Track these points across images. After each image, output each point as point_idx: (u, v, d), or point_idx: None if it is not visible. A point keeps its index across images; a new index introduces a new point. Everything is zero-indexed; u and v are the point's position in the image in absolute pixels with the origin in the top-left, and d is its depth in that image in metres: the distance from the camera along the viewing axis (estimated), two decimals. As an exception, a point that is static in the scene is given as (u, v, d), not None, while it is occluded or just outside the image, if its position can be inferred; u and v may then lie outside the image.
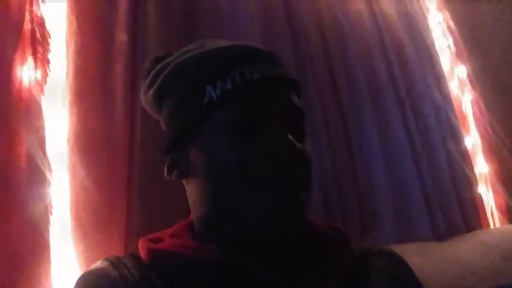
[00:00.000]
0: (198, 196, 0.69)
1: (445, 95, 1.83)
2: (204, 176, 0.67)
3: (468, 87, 1.95)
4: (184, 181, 0.73)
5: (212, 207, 0.67)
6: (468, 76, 1.95)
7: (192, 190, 0.71)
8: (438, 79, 1.85)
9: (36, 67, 1.04)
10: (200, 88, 0.66)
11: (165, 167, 0.72)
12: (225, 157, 0.63)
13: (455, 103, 1.88)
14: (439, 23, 2.07)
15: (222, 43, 0.74)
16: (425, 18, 2.00)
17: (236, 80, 0.65)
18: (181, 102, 0.69)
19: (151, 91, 0.73)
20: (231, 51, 0.70)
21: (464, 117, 1.92)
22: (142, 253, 0.68)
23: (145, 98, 0.76)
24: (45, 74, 1.06)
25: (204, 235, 0.70)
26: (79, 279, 0.67)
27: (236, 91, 0.65)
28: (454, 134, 1.77)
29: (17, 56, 1.03)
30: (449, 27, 2.03)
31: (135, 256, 0.69)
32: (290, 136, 0.63)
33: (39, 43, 1.05)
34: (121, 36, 1.18)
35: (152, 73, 0.74)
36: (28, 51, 1.04)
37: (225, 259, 0.63)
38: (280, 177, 0.62)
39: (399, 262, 0.80)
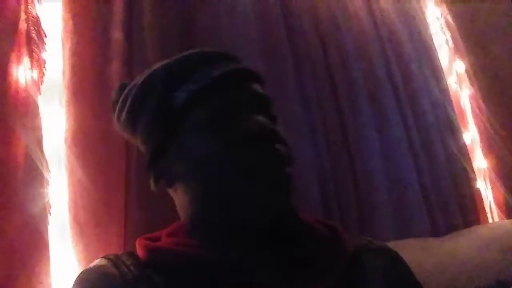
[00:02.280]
0: (188, 197, 0.70)
1: (443, 91, 1.83)
2: (191, 176, 0.69)
3: (466, 82, 1.95)
4: (170, 190, 0.75)
5: (204, 203, 0.68)
6: (466, 71, 1.95)
7: (181, 194, 0.72)
8: (436, 74, 1.85)
9: (32, 67, 1.05)
10: (168, 96, 0.70)
11: (151, 181, 0.74)
12: (208, 151, 0.67)
13: (453, 99, 1.88)
14: (437, 18, 2.07)
15: (172, 58, 0.78)
16: (423, 14, 2.00)
17: (199, 80, 0.70)
18: (154, 114, 0.71)
19: (123, 115, 0.75)
20: (189, 56, 0.75)
21: (463, 113, 1.92)
22: (140, 251, 0.68)
23: (119, 123, 0.79)
24: (41, 74, 1.06)
25: (199, 234, 0.70)
26: (78, 276, 0.68)
27: (202, 89, 0.69)
28: (452, 129, 1.77)
29: (13, 55, 1.03)
30: (447, 22, 2.03)
31: (133, 254, 0.69)
32: (264, 119, 0.68)
33: (34, 43, 1.05)
34: (117, 35, 1.18)
35: (121, 98, 0.77)
36: (24, 51, 1.04)
37: (221, 256, 0.64)
38: (265, 156, 0.66)
39: (395, 258, 0.80)
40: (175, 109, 0.69)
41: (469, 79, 1.94)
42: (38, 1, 1.09)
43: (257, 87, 0.74)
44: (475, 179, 1.75)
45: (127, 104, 0.74)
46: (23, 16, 1.06)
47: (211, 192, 0.67)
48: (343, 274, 0.68)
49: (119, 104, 0.77)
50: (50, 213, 0.99)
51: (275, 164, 0.66)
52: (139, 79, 0.76)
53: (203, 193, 0.68)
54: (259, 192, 0.64)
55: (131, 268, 0.66)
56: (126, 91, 0.77)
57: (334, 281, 0.66)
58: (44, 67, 1.07)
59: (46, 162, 1.01)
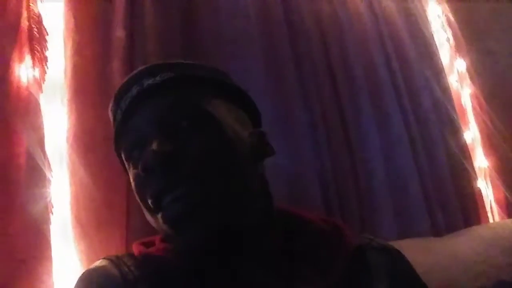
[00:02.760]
0: None
1: (444, 89, 1.83)
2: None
3: (467, 81, 1.94)
4: None
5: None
6: (468, 70, 1.95)
7: None
8: (437, 73, 1.84)
9: (34, 65, 1.04)
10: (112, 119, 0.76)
11: None
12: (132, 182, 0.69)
13: (454, 97, 1.88)
14: (438, 16, 2.06)
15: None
16: (424, 11, 1.99)
17: (115, 119, 0.74)
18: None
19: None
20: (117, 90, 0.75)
21: (464, 111, 1.92)
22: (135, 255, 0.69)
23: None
24: (43, 72, 1.06)
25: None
26: (80, 277, 0.69)
27: (116, 128, 0.72)
28: (453, 128, 1.76)
29: (15, 54, 1.02)
30: (448, 20, 2.02)
31: (134, 256, 0.70)
32: (152, 147, 0.63)
33: (36, 41, 1.05)
34: (119, 33, 1.17)
35: None
36: (26, 49, 1.04)
37: (211, 260, 0.64)
38: (159, 188, 0.63)
39: (398, 257, 0.81)
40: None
41: (470, 77, 1.93)
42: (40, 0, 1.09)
43: (161, 101, 0.68)
44: (476, 178, 1.75)
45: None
46: (25, 14, 1.05)
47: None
48: (345, 271, 0.68)
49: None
50: (52, 213, 0.99)
51: (172, 192, 0.62)
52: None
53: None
54: (173, 223, 0.63)
55: (132, 268, 0.66)
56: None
57: (337, 278, 0.66)
58: (46, 65, 1.07)
59: (48, 161, 1.00)
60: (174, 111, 0.67)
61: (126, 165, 0.71)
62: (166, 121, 0.66)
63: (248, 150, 0.68)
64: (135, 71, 0.75)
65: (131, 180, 0.69)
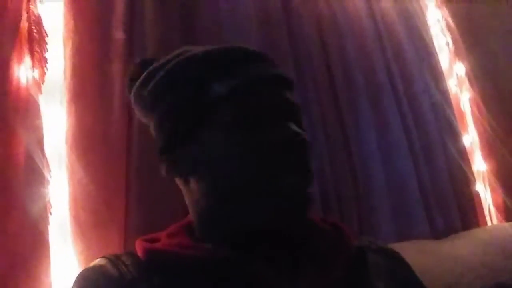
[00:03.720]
0: (203, 191, 0.69)
1: (444, 93, 1.83)
2: (212, 171, 0.67)
3: (466, 85, 1.94)
4: (181, 181, 0.74)
5: (220, 200, 0.68)
6: (467, 74, 1.95)
7: (194, 187, 0.70)
8: (437, 77, 1.84)
9: (33, 66, 1.04)
10: (206, 85, 0.68)
11: (165, 167, 0.72)
12: (238, 150, 0.66)
13: (453, 101, 1.88)
14: (438, 20, 2.06)
15: (210, 47, 0.75)
16: (423, 16, 2.00)
17: (239, 76, 0.68)
18: (186, 99, 0.69)
19: (146, 90, 0.73)
20: (230, 50, 0.72)
21: (462, 115, 1.92)
22: (139, 252, 0.69)
23: (137, 97, 0.76)
24: (42, 73, 1.06)
25: (204, 233, 0.71)
26: (78, 276, 0.69)
27: (242, 87, 0.68)
28: (452, 132, 1.76)
29: (15, 55, 1.03)
30: (448, 25, 2.03)
31: (133, 255, 0.70)
32: (296, 128, 0.67)
33: (36, 42, 1.05)
34: (118, 35, 1.18)
35: (145, 73, 0.74)
36: (26, 50, 1.04)
37: (222, 256, 0.64)
38: (292, 164, 0.65)
39: (397, 259, 0.81)
40: (208, 100, 0.68)
41: (470, 81, 1.93)
42: (39, 1, 1.09)
43: (291, 95, 0.73)
44: (474, 182, 1.75)
45: (154, 82, 0.72)
46: (24, 15, 1.05)
47: (230, 191, 0.66)
48: (347, 271, 0.68)
49: (142, 79, 0.75)
50: (50, 213, 0.99)
51: (300, 179, 0.66)
52: (170, 59, 0.74)
53: (221, 191, 0.67)
54: (278, 203, 0.65)
55: (131, 268, 0.66)
56: (152, 68, 0.75)
57: (338, 278, 0.67)
58: (46, 66, 1.07)
59: (47, 162, 1.01)
60: (297, 107, 0.73)
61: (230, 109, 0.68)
62: (299, 113, 0.72)
63: None
64: (252, 48, 0.74)
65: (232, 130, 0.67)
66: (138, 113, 0.79)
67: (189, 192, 0.72)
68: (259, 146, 0.65)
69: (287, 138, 0.65)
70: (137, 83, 0.75)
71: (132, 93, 0.77)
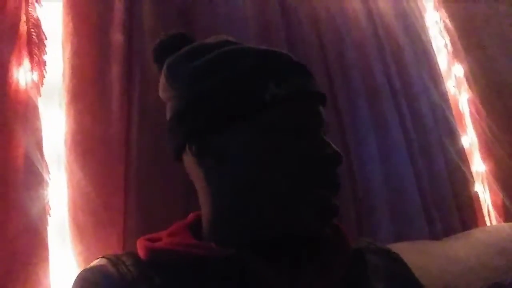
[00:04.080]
0: (229, 186, 0.69)
1: (442, 94, 1.84)
2: (248, 167, 0.67)
3: (465, 86, 1.95)
4: (199, 169, 0.72)
5: (249, 196, 0.67)
6: (465, 75, 1.96)
7: (222, 179, 0.69)
8: (435, 78, 1.85)
9: (32, 69, 1.04)
10: (262, 80, 0.68)
11: (193, 148, 0.70)
12: (282, 151, 0.66)
13: (452, 102, 1.89)
14: (436, 22, 2.07)
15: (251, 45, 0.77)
16: (422, 17, 2.01)
17: (296, 85, 0.69)
18: (237, 87, 0.68)
19: (188, 68, 0.72)
20: (293, 58, 0.74)
21: (461, 116, 1.93)
22: (140, 252, 0.69)
23: (174, 72, 0.74)
24: (41, 76, 1.06)
25: (213, 230, 0.71)
26: (77, 276, 0.68)
27: (295, 94, 0.69)
28: (451, 133, 1.77)
29: (13, 57, 1.03)
30: (446, 26, 2.04)
31: (133, 254, 0.69)
32: (336, 148, 0.69)
33: (35, 45, 1.05)
34: (117, 37, 1.18)
35: (189, 51, 0.75)
36: (24, 53, 1.04)
37: (223, 255, 0.63)
38: (327, 181, 0.68)
39: (396, 260, 0.81)
40: (261, 97, 0.67)
41: (468, 83, 1.94)
42: (38, 3, 1.09)
43: (323, 111, 0.74)
44: (473, 183, 1.76)
45: (206, 59, 0.71)
46: (23, 18, 1.05)
47: (261, 190, 0.66)
48: (346, 272, 0.68)
49: (187, 51, 0.75)
50: (49, 215, 0.99)
51: (331, 192, 0.68)
52: (216, 43, 0.75)
53: (252, 188, 0.67)
54: (310, 213, 0.66)
55: (131, 268, 0.66)
56: (200, 44, 0.76)
57: (337, 279, 0.67)
58: (44, 69, 1.07)
59: (46, 164, 1.01)
60: (327, 126, 0.75)
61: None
62: (328, 129, 0.75)
63: None
64: (297, 58, 0.75)
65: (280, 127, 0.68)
66: (163, 85, 0.76)
67: (212, 181, 0.71)
68: (301, 156, 0.67)
69: (330, 154, 0.68)
70: (179, 56, 0.75)
71: (168, 64, 0.75)
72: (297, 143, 0.67)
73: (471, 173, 1.77)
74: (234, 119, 0.67)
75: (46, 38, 1.09)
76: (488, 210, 1.77)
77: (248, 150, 0.67)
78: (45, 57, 1.08)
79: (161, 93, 0.78)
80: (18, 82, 1.02)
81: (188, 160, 0.73)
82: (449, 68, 2.00)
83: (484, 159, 1.85)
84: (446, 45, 2.02)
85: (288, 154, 0.66)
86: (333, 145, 0.69)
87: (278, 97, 0.67)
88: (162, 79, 0.76)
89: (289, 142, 0.67)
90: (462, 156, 1.75)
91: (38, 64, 1.06)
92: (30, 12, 1.07)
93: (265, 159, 0.66)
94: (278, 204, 0.66)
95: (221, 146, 0.68)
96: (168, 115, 0.75)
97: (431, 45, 1.95)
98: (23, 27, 1.05)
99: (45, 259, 0.95)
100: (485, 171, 1.84)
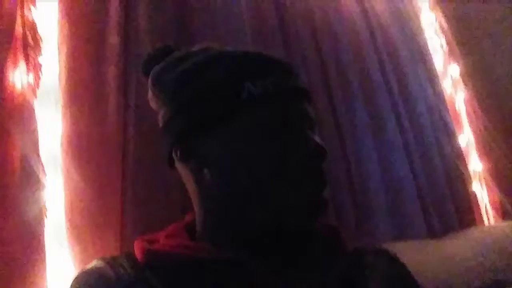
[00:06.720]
0: (219, 186, 0.69)
1: (438, 94, 1.84)
2: (233, 167, 0.68)
3: (461, 85, 1.96)
4: (191, 170, 0.72)
5: (236, 197, 0.68)
6: (461, 75, 1.97)
7: (209, 179, 0.70)
8: (431, 78, 1.86)
9: (28, 71, 1.04)
10: (238, 82, 0.68)
11: (179, 151, 0.71)
12: (261, 151, 0.66)
13: (448, 102, 1.89)
14: (432, 22, 2.08)
15: (230, 49, 0.77)
16: (417, 18, 2.02)
17: (275, 83, 0.69)
18: (213, 91, 0.69)
19: (170, 76, 0.73)
20: (271, 57, 0.74)
21: (458, 116, 1.93)
22: (138, 253, 0.68)
23: (157, 79, 0.76)
24: (37, 78, 1.06)
25: (209, 229, 0.71)
26: (74, 278, 0.68)
27: (274, 92, 0.69)
28: (447, 132, 1.78)
29: (9, 60, 1.03)
30: (441, 27, 2.05)
31: (130, 256, 0.69)
32: (319, 140, 0.69)
33: (31, 47, 1.05)
34: (113, 39, 1.18)
35: (171, 60, 0.76)
36: (20, 55, 1.04)
37: (221, 257, 0.64)
38: (314, 175, 0.68)
39: (394, 261, 0.81)
40: (239, 98, 0.68)
41: (464, 82, 1.95)
42: (34, 6, 1.09)
43: (309, 108, 0.74)
44: (470, 182, 1.76)
45: (183, 68, 0.72)
46: (19, 20, 1.05)
47: (248, 190, 0.67)
48: (343, 273, 0.68)
49: (168, 63, 0.75)
50: (46, 216, 0.99)
51: (317, 187, 0.68)
52: (197, 51, 0.76)
53: (238, 188, 0.67)
54: (299, 208, 0.66)
55: (128, 270, 0.65)
56: (180, 55, 0.76)
57: (335, 279, 0.67)
58: (40, 71, 1.07)
59: (42, 166, 1.00)
60: (315, 122, 0.75)
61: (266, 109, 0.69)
62: (316, 126, 0.74)
63: None
64: (280, 57, 0.77)
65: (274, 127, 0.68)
66: (150, 95, 0.78)
67: (200, 184, 0.71)
68: (285, 152, 0.66)
69: (312, 148, 0.68)
70: (162, 65, 0.76)
71: (152, 74, 0.76)
72: (277, 141, 0.67)
73: (468, 172, 1.77)
74: (214, 122, 0.68)
75: (41, 41, 1.09)
76: (486, 209, 1.78)
77: (229, 151, 0.68)
78: (41, 59, 1.08)
79: (151, 104, 0.79)
80: (14, 84, 1.02)
81: (178, 164, 0.74)
82: (445, 68, 2.00)
83: (481, 158, 1.86)
84: (441, 45, 2.03)
85: (268, 152, 0.66)
86: (317, 139, 0.69)
87: (254, 96, 0.67)
88: (149, 90, 0.78)
89: (269, 140, 0.67)
90: (459, 155, 1.76)
91: (34, 66, 1.06)
92: (25, 14, 1.07)
93: (247, 159, 0.67)
94: (264, 204, 0.66)
95: (204, 149, 0.69)
96: (160, 124, 0.77)
97: (427, 45, 1.96)
98: (18, 30, 1.05)
99: (42, 261, 0.95)
100: (482, 170, 1.84)
